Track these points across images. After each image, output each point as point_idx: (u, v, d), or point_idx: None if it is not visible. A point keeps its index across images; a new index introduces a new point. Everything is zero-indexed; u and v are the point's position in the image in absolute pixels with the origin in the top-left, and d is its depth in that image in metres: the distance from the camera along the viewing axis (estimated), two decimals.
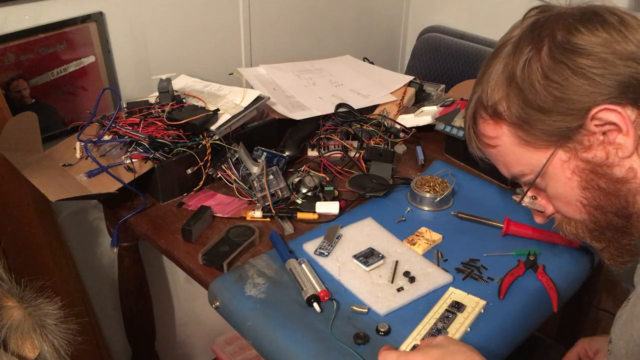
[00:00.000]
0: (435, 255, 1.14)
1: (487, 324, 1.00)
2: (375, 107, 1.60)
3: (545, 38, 0.78)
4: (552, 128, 0.79)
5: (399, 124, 1.54)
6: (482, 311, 1.01)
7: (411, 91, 1.66)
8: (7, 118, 1.26)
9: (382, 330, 0.97)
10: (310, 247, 1.16)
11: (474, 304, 1.01)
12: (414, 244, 1.16)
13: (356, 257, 1.12)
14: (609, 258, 0.87)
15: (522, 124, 0.80)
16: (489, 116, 0.83)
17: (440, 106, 1.55)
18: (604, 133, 0.77)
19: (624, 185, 0.78)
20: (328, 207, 1.26)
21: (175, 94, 1.39)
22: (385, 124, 1.52)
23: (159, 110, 1.33)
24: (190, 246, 1.18)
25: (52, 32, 1.32)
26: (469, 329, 0.97)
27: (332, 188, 1.32)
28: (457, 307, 1.01)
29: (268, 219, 1.24)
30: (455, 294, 1.04)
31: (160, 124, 1.30)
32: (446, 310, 1.00)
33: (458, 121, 1.43)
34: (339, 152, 1.47)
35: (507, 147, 0.84)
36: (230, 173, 1.31)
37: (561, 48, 0.76)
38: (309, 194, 1.29)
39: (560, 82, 0.76)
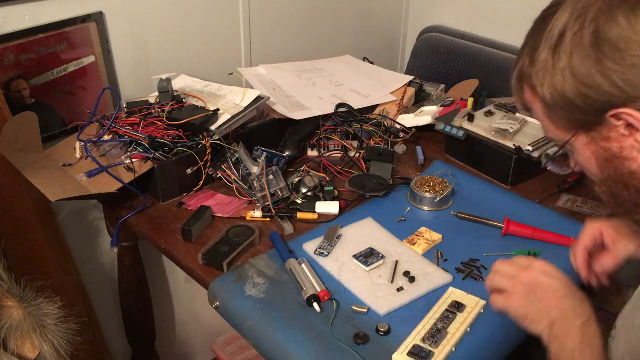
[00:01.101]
0: (435, 255, 1.14)
1: (487, 324, 0.99)
2: (375, 107, 1.60)
3: (585, 21, 0.75)
4: (573, 118, 0.80)
5: (399, 124, 1.54)
6: (482, 311, 1.01)
7: (411, 91, 1.66)
8: (7, 118, 1.26)
9: (382, 330, 0.97)
10: (310, 247, 1.16)
11: (474, 304, 1.01)
12: (414, 244, 1.16)
13: (356, 257, 1.12)
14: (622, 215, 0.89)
15: (549, 105, 0.81)
16: (527, 85, 0.84)
17: (440, 106, 1.55)
18: (626, 126, 0.77)
19: (636, 179, 0.79)
20: (328, 207, 1.26)
21: (175, 94, 1.39)
22: (385, 124, 1.52)
23: (159, 110, 1.33)
24: (190, 246, 1.18)
25: (52, 32, 1.32)
26: (469, 329, 0.97)
27: (332, 188, 1.32)
28: (457, 307, 1.01)
29: (268, 219, 1.24)
30: (455, 294, 1.04)
31: (160, 124, 1.30)
32: (446, 310, 1.00)
33: (458, 121, 1.43)
34: (339, 152, 1.47)
35: (540, 115, 0.85)
36: (230, 173, 1.31)
37: (595, 41, 0.74)
38: (309, 194, 1.29)
39: (586, 77, 0.75)
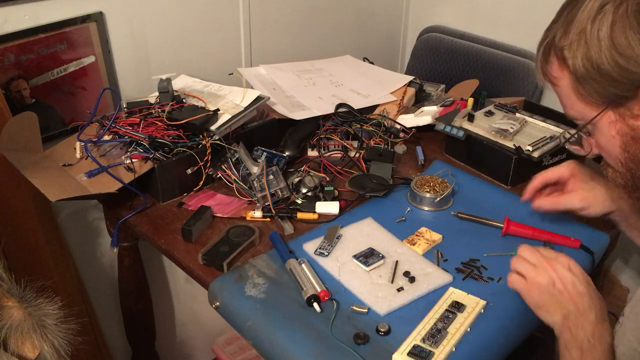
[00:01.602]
0: (435, 255, 1.14)
1: (487, 324, 0.99)
2: (375, 107, 1.60)
3: None
4: (605, 91, 0.79)
5: (399, 124, 1.54)
6: (482, 311, 1.01)
7: (411, 91, 1.66)
8: (7, 118, 1.26)
9: (382, 330, 0.97)
10: (310, 247, 1.16)
11: (474, 304, 1.01)
12: (414, 244, 1.16)
13: (356, 257, 1.12)
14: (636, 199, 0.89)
15: (580, 78, 0.80)
16: (556, 57, 0.83)
17: (440, 106, 1.55)
18: None
19: None
20: (328, 207, 1.26)
21: (175, 94, 1.39)
22: (385, 124, 1.52)
23: (159, 110, 1.33)
24: (190, 246, 1.18)
25: (52, 32, 1.32)
26: (469, 329, 0.97)
27: (332, 188, 1.32)
28: (457, 307, 1.01)
29: (268, 219, 1.24)
30: (455, 294, 1.04)
31: (160, 124, 1.30)
32: (446, 310, 1.00)
33: (458, 121, 1.43)
34: (339, 152, 1.47)
35: (565, 90, 0.85)
36: (230, 173, 1.31)
37: (638, 10, 0.74)
38: (309, 194, 1.29)
39: (626, 47, 0.75)
